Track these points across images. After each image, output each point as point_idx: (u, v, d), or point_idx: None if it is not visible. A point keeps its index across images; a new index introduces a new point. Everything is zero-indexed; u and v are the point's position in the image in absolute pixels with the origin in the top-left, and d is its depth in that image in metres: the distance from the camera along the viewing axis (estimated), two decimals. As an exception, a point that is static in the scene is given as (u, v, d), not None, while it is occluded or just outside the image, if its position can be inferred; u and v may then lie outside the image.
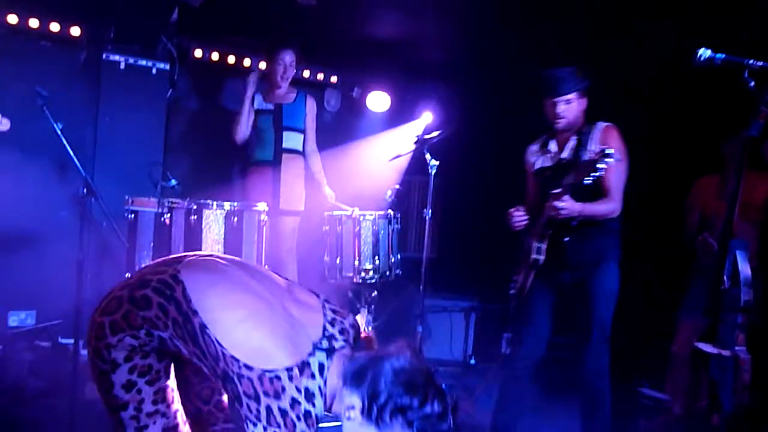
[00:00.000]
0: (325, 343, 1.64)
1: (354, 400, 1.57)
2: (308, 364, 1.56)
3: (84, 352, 3.86)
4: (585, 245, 2.86)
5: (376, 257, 3.36)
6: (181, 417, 1.79)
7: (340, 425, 1.61)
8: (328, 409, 1.63)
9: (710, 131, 3.61)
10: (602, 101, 3.00)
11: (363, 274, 3.34)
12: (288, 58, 3.85)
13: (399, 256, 3.55)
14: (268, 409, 1.50)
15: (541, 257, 2.85)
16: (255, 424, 1.51)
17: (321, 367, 1.59)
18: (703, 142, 3.69)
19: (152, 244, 3.11)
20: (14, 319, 4.08)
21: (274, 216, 3.66)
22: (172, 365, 1.78)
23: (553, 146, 3.00)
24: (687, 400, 3.43)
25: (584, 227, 2.83)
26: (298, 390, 1.52)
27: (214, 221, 3.00)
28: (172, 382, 1.78)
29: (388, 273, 3.44)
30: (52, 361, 3.67)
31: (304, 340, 1.61)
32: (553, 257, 2.86)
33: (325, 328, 1.68)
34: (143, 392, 1.69)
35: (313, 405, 1.54)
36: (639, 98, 3.87)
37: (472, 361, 5.00)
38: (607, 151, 2.56)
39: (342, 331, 1.71)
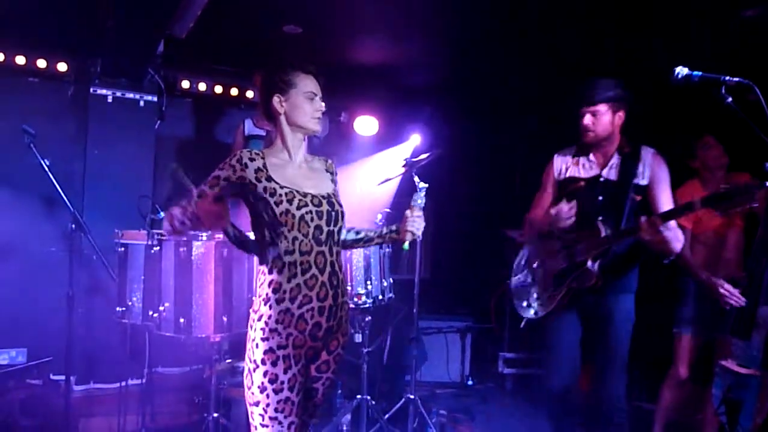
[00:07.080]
0: None
1: None
2: None
3: (76, 388, 3.82)
4: (614, 272, 2.75)
5: (368, 282, 3.34)
6: None
7: None
8: None
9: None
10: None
11: (356, 299, 3.31)
12: None
13: (391, 280, 3.54)
14: None
15: (600, 281, 2.70)
16: None
17: None
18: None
19: (143, 277, 3.08)
20: (4, 357, 4.04)
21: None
22: None
23: (592, 158, 2.84)
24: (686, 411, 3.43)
25: (620, 255, 2.73)
26: None
27: (204, 252, 2.98)
28: None
29: (381, 297, 3.42)
30: (43, 399, 3.63)
31: None
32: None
33: None
34: None
35: None
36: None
37: (470, 382, 4.98)
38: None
39: None
